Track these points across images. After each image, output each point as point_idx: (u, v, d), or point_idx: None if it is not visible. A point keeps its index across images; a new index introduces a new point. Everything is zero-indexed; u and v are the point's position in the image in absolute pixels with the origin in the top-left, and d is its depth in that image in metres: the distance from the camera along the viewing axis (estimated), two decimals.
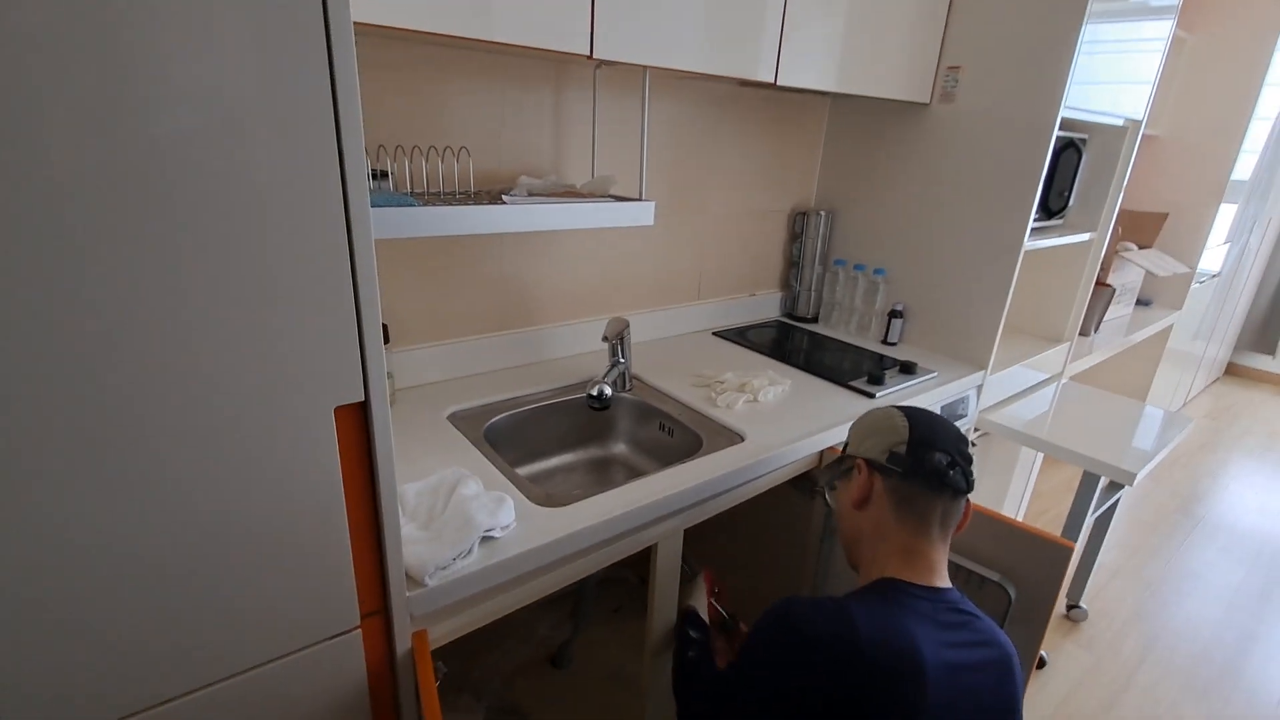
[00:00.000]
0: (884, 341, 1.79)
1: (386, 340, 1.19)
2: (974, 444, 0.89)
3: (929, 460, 0.86)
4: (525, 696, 1.48)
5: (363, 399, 0.64)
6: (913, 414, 0.92)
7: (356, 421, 0.65)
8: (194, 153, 0.50)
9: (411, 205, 0.92)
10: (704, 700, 0.93)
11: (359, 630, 0.73)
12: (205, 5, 0.48)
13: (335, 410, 0.63)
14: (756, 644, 0.83)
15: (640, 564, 1.14)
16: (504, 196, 1.06)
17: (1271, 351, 4.33)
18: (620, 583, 1.82)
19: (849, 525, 0.93)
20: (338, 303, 0.60)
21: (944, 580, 0.86)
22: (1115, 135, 1.85)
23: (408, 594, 0.75)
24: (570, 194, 1.20)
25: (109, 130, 0.47)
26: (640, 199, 1.21)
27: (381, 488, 0.67)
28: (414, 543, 0.80)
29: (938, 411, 1.56)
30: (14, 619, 0.53)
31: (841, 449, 1.00)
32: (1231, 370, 4.57)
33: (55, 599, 0.54)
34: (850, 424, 1.00)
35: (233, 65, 0.50)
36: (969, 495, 0.90)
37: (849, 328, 1.89)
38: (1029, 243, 1.60)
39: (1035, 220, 1.61)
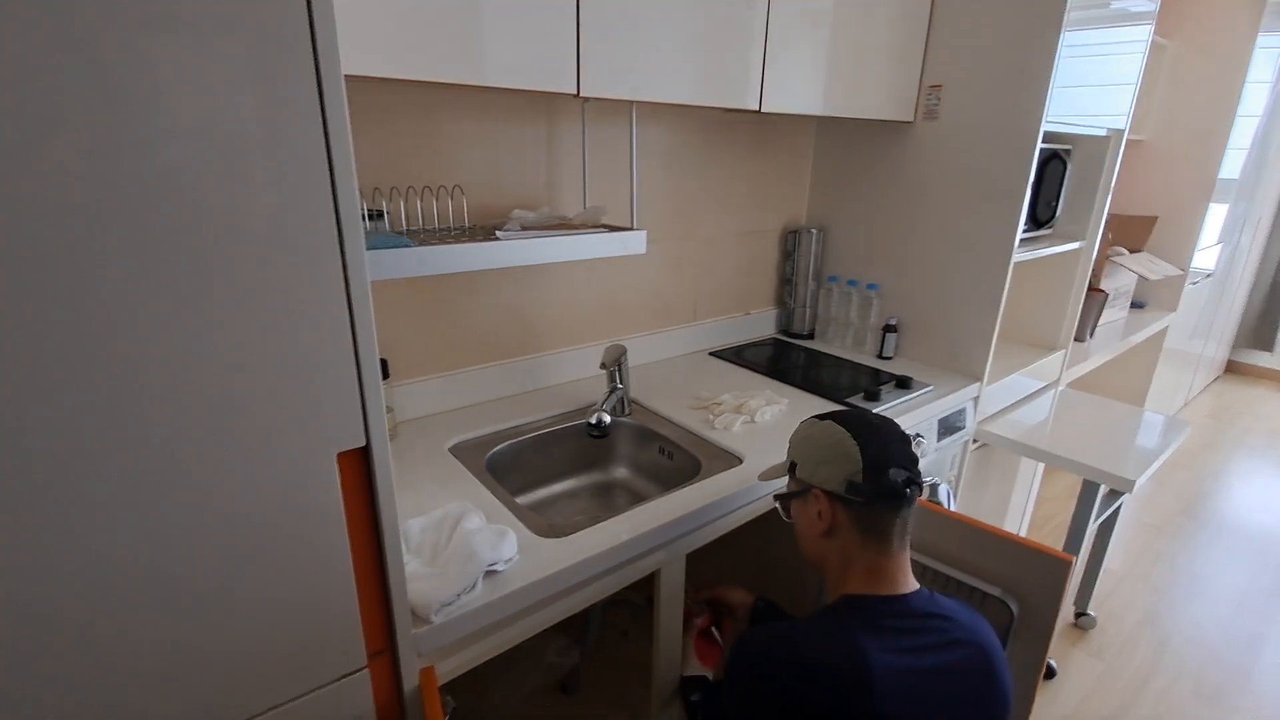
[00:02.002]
0: (879, 356, 1.81)
1: (386, 375, 1.21)
2: (919, 437, 0.89)
3: (886, 483, 0.86)
4: None
5: (364, 444, 0.65)
6: (857, 431, 0.89)
7: (358, 466, 0.66)
8: (189, 193, 0.52)
9: (407, 246, 0.94)
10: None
11: (367, 670, 0.74)
12: (200, 49, 0.50)
13: (337, 456, 0.64)
14: (728, 693, 0.87)
15: (646, 585, 1.15)
16: (497, 232, 1.08)
17: (1269, 347, 4.34)
18: (626, 605, 1.81)
19: (814, 550, 0.93)
20: (336, 349, 0.62)
21: (908, 585, 0.87)
22: (1099, 144, 1.88)
23: (414, 632, 0.76)
24: (563, 226, 1.22)
25: (101, 167, 0.48)
26: (632, 228, 1.23)
27: (385, 529, 0.68)
28: (418, 579, 0.81)
29: (935, 425, 1.58)
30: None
31: (788, 464, 0.97)
32: (1231, 368, 4.57)
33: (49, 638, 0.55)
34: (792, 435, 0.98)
35: (227, 114, 0.52)
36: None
37: (844, 343, 1.91)
38: (1018, 254, 1.62)
39: (1024, 231, 1.64)
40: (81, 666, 0.56)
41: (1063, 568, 0.99)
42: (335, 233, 0.59)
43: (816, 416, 0.96)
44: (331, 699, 0.72)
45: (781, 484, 1.01)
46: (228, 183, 0.53)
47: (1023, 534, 1.52)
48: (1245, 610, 2.13)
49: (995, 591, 1.05)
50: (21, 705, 0.55)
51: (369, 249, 0.83)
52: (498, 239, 1.06)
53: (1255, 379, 4.44)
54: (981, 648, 0.84)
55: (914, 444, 0.92)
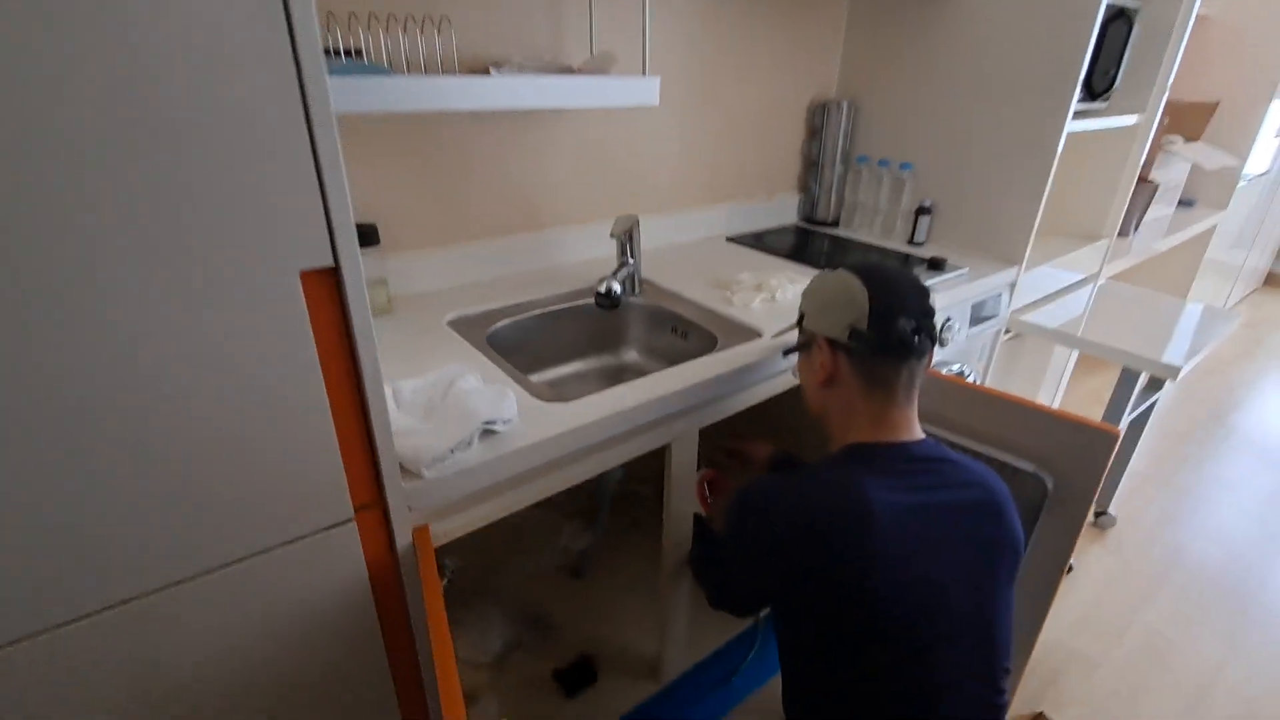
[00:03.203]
0: (910, 242, 1.68)
1: (377, 241, 1.12)
2: (950, 321, 0.83)
3: (893, 331, 0.80)
4: (544, 604, 1.48)
5: (332, 264, 0.57)
6: (871, 278, 0.83)
7: (328, 291, 0.58)
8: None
9: (382, 73, 0.83)
10: (718, 588, 0.96)
11: (354, 523, 0.69)
12: None
13: (301, 274, 0.56)
14: (728, 538, 0.87)
15: (658, 479, 1.10)
16: (492, 69, 0.96)
17: None
18: (637, 498, 1.80)
19: (816, 402, 0.91)
20: (293, 160, 0.53)
21: (914, 434, 0.84)
22: (1169, 3, 1.66)
23: (404, 485, 0.71)
24: (567, 72, 1.09)
25: None
26: (644, 75, 1.10)
27: (363, 364, 0.61)
28: (410, 434, 0.75)
29: (967, 310, 1.48)
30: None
31: (798, 318, 0.93)
32: (1271, 280, 4.37)
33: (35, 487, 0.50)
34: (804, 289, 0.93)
35: None
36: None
37: (872, 230, 1.78)
38: (1071, 124, 1.46)
39: (1078, 101, 1.47)
40: (51, 503, 0.51)
41: (1108, 441, 0.92)
42: (286, 32, 0.49)
43: (831, 267, 0.89)
44: (318, 549, 0.68)
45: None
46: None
47: None
48: (1268, 514, 2.08)
49: (1028, 467, 0.99)
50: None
51: (336, 73, 0.72)
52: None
53: None
54: (988, 489, 0.81)
55: (931, 298, 0.84)
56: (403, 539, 0.74)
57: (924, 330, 0.81)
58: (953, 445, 1.05)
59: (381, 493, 0.70)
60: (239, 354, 0.55)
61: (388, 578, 0.75)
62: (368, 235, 1.08)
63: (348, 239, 0.57)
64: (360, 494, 0.69)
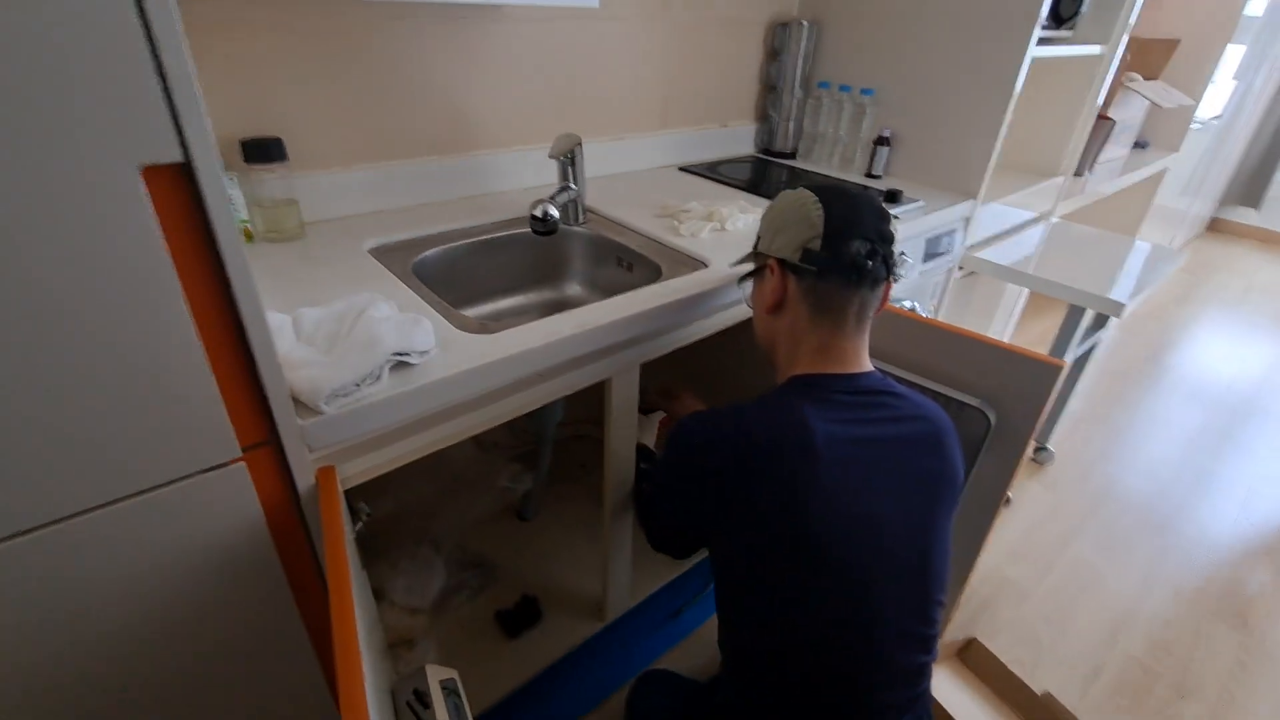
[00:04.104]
0: (868, 175, 1.62)
1: (283, 157, 1.00)
2: (903, 255, 0.80)
3: (846, 253, 0.76)
4: (488, 547, 1.44)
5: (181, 159, 0.48)
6: (828, 197, 0.79)
7: (180, 192, 0.49)
8: None
9: None
10: (655, 524, 0.93)
11: (243, 463, 0.62)
12: None
13: (143, 170, 0.47)
14: (664, 466, 0.86)
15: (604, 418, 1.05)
16: None
17: (1256, 205, 4.23)
18: (587, 440, 1.76)
19: (764, 330, 0.87)
20: (116, 32, 0.43)
21: (861, 366, 0.81)
22: None
23: (300, 422, 0.64)
24: None
25: None
26: None
27: (234, 279, 0.53)
28: (309, 366, 0.67)
29: (921, 245, 1.44)
30: None
31: (755, 243, 0.89)
32: (1214, 227, 4.49)
33: None
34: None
35: None
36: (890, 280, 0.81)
37: (831, 161, 1.72)
38: (1035, 49, 1.40)
39: (1043, 28, 1.41)
40: None
41: (1052, 373, 0.90)
42: None
43: (790, 188, 0.83)
44: (206, 490, 0.61)
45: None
46: None
47: None
48: (1197, 450, 2.17)
49: (973, 401, 0.97)
50: None
51: None
52: None
53: (1237, 237, 4.38)
54: (931, 422, 0.79)
55: (891, 223, 0.79)
56: (304, 480, 0.67)
57: (880, 255, 0.77)
58: (900, 380, 1.03)
59: (274, 430, 0.63)
60: (79, 267, 0.47)
61: (289, 521, 0.69)
62: (271, 148, 0.97)
63: (199, 131, 0.48)
64: (248, 432, 0.61)
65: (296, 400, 0.64)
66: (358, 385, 0.67)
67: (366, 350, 0.69)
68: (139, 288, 0.50)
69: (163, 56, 0.45)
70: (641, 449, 1.10)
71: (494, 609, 1.32)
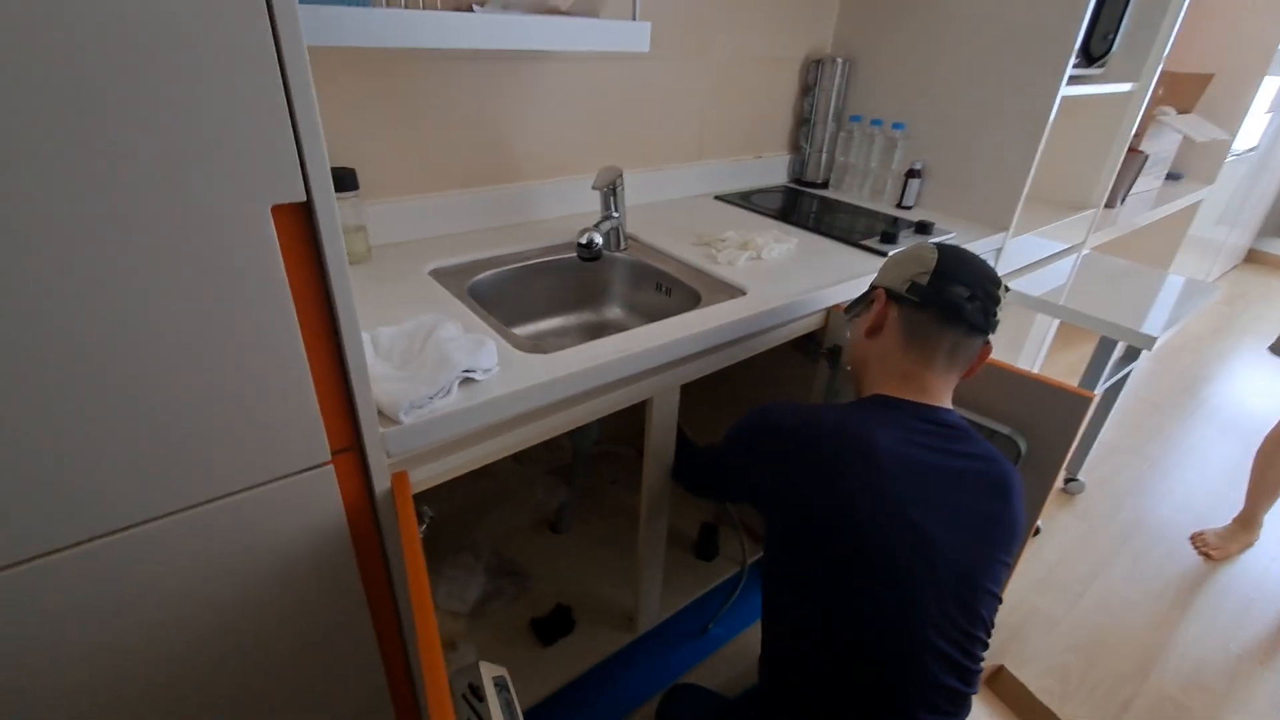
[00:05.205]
0: (899, 205, 1.67)
1: (356, 186, 1.09)
2: (1007, 289, 0.85)
3: (948, 291, 0.82)
4: (523, 556, 1.50)
5: (304, 199, 0.55)
6: (946, 248, 0.87)
7: (300, 227, 0.56)
8: None
9: (359, 4, 0.79)
10: (693, 472, 1.06)
11: (331, 466, 0.69)
12: None
13: (273, 209, 0.54)
14: (736, 433, 0.91)
15: (639, 438, 1.10)
16: (475, 6, 0.92)
17: None
18: (618, 457, 1.81)
19: (857, 353, 0.93)
20: (263, 93, 0.50)
21: (941, 402, 0.85)
22: None
23: (381, 431, 0.70)
24: (552, 13, 1.05)
25: None
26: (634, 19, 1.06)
27: (339, 304, 0.60)
28: (388, 380, 0.74)
29: None
30: None
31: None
32: (1251, 258, 4.42)
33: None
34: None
35: None
36: (988, 337, 0.84)
37: (862, 192, 1.77)
38: (1066, 88, 1.44)
39: (1074, 66, 1.45)
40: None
41: (1082, 404, 0.93)
42: None
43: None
44: (297, 491, 0.67)
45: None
46: None
47: None
48: (1231, 484, 2.15)
49: (1004, 429, 1.00)
50: None
51: (306, 1, 0.69)
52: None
53: (1275, 269, 4.30)
54: (1001, 466, 0.81)
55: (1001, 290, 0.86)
56: (380, 484, 0.74)
57: (980, 302, 0.82)
58: None
59: (359, 437, 0.69)
60: (209, 289, 0.54)
61: (365, 522, 0.75)
62: (345, 179, 1.05)
63: (320, 174, 0.55)
64: (337, 438, 0.68)
65: (379, 411, 0.71)
66: (431, 398, 0.74)
67: (440, 368, 0.76)
68: (260, 309, 0.57)
69: (297, 111, 0.53)
70: (680, 430, 1.14)
71: (529, 617, 1.37)
